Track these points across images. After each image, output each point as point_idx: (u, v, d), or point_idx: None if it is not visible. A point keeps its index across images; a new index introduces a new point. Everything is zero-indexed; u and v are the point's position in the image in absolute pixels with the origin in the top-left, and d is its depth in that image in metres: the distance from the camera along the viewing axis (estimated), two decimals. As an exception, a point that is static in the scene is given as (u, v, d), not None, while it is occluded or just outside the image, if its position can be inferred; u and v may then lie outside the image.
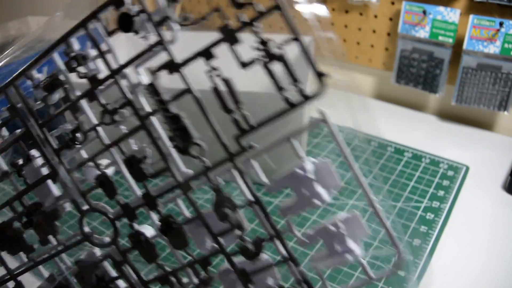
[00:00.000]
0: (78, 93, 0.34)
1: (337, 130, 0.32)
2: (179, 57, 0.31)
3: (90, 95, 0.33)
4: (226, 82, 0.30)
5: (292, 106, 0.30)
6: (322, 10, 0.33)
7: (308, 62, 0.29)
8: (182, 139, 0.31)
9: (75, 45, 0.33)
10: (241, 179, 0.33)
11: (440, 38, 0.73)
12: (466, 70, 0.72)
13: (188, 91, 0.31)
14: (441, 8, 0.71)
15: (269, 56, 0.30)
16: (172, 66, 0.31)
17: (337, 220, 0.33)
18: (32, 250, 0.39)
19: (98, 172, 0.36)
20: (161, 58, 0.31)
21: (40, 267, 0.41)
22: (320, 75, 0.29)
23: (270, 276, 0.35)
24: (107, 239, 0.37)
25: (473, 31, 0.69)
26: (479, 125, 0.79)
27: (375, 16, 0.81)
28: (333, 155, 0.70)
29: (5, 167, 0.39)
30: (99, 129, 0.35)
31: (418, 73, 0.78)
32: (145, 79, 0.32)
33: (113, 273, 0.38)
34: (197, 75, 0.31)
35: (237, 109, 0.30)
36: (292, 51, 0.29)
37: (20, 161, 0.38)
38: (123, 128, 0.34)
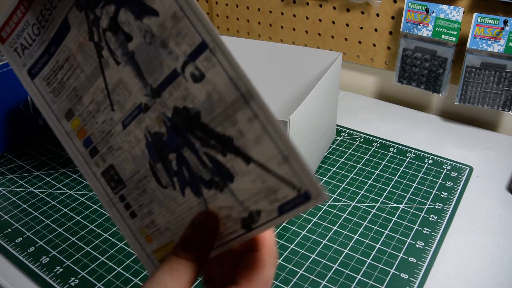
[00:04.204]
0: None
1: None
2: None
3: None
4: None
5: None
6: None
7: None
8: None
9: None
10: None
11: (443, 36, 0.72)
12: (469, 69, 0.71)
13: None
14: (444, 6, 0.70)
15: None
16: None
17: None
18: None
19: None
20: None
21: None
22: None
23: None
24: None
25: (476, 30, 0.68)
26: (483, 125, 0.78)
27: (377, 15, 0.80)
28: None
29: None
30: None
31: (420, 72, 0.77)
32: None
33: None
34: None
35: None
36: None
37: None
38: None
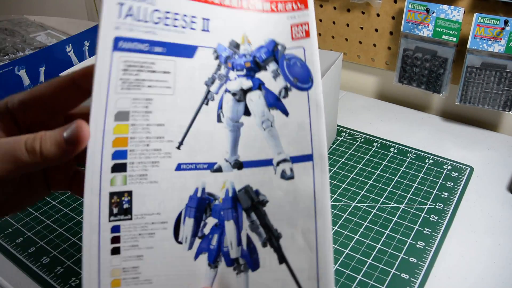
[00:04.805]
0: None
1: None
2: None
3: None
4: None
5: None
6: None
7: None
8: None
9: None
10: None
11: (444, 37, 0.72)
12: (470, 70, 0.71)
13: None
14: (445, 7, 0.70)
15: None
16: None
17: None
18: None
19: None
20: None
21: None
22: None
23: None
24: None
25: (477, 30, 0.68)
26: (483, 126, 0.78)
27: (378, 15, 0.80)
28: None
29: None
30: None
31: (421, 72, 0.77)
32: None
33: None
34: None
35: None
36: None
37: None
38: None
